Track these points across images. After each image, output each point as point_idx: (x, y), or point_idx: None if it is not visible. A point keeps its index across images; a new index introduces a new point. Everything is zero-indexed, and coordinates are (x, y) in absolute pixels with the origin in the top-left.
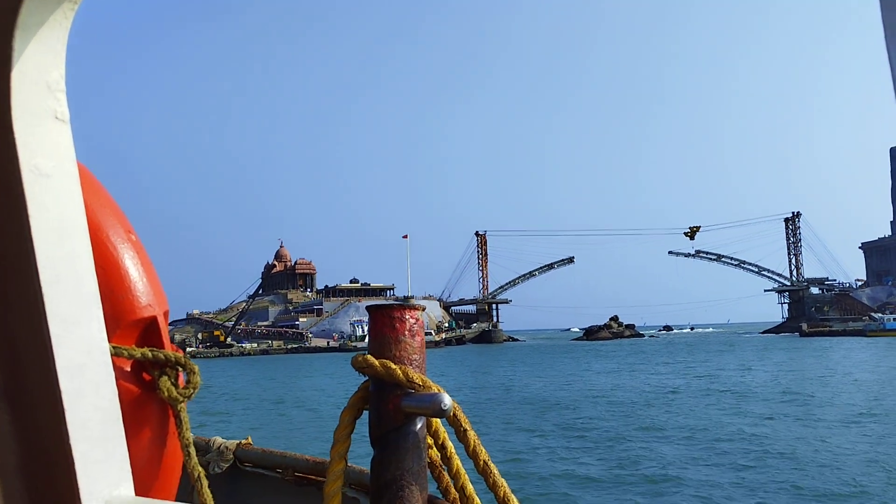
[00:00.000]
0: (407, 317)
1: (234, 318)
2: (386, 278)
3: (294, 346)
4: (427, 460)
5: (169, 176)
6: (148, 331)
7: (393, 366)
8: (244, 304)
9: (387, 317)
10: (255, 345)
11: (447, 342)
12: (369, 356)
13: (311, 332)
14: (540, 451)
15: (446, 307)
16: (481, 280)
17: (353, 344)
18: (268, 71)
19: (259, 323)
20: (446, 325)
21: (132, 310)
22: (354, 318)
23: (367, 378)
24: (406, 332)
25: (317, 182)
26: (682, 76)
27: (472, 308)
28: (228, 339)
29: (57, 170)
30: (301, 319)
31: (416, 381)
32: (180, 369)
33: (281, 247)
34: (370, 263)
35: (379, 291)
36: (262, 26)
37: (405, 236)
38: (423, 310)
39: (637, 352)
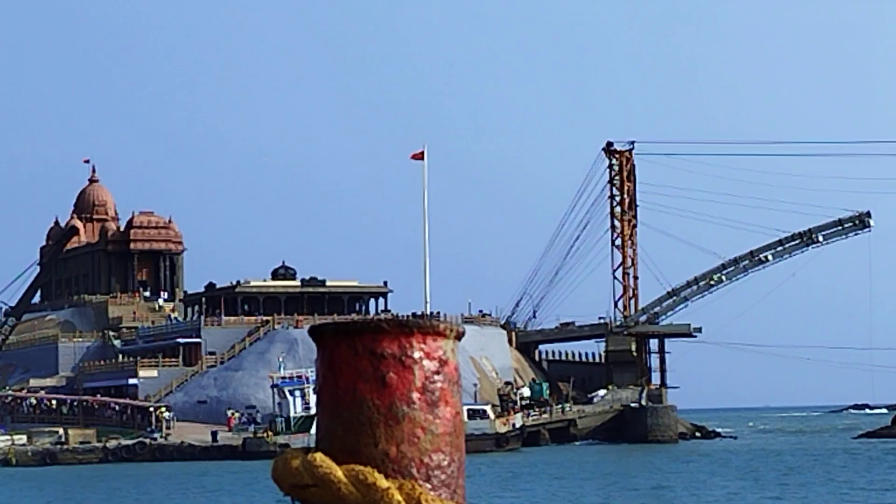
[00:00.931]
0: (415, 352)
1: None
2: (369, 272)
3: (130, 442)
4: None
5: None
6: None
7: (380, 481)
8: None
9: (362, 351)
10: (23, 441)
11: (531, 436)
12: (318, 455)
13: (165, 406)
14: None
15: (523, 345)
16: (620, 274)
17: (277, 439)
18: None
19: (33, 381)
20: (523, 389)
21: None
22: (281, 374)
23: None
24: (414, 392)
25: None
26: None
27: (590, 348)
28: None
29: None
30: (143, 372)
31: None
32: None
33: (91, 182)
34: (327, 239)
35: (348, 300)
36: None
37: (418, 154)
38: (459, 337)
39: None
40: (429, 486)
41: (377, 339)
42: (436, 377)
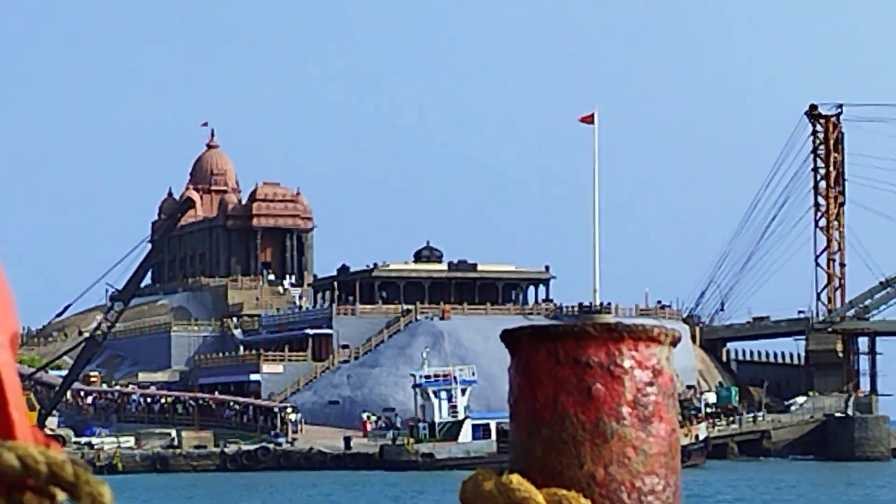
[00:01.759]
0: (625, 360)
1: (66, 361)
2: (527, 255)
3: (251, 447)
4: None
5: None
6: None
7: None
8: (99, 316)
9: (565, 359)
10: (131, 443)
11: (717, 450)
12: (515, 477)
13: (292, 406)
14: None
15: (708, 343)
16: (824, 261)
17: (419, 447)
18: None
19: (142, 376)
20: (708, 394)
21: None
22: (425, 372)
23: None
24: (624, 407)
25: None
26: None
27: (788, 347)
28: (50, 421)
29: None
30: (267, 367)
31: None
32: (59, 497)
33: (209, 148)
34: (479, 216)
35: (503, 288)
36: None
37: (587, 118)
38: (675, 343)
39: None
40: None
41: (582, 346)
42: (649, 389)
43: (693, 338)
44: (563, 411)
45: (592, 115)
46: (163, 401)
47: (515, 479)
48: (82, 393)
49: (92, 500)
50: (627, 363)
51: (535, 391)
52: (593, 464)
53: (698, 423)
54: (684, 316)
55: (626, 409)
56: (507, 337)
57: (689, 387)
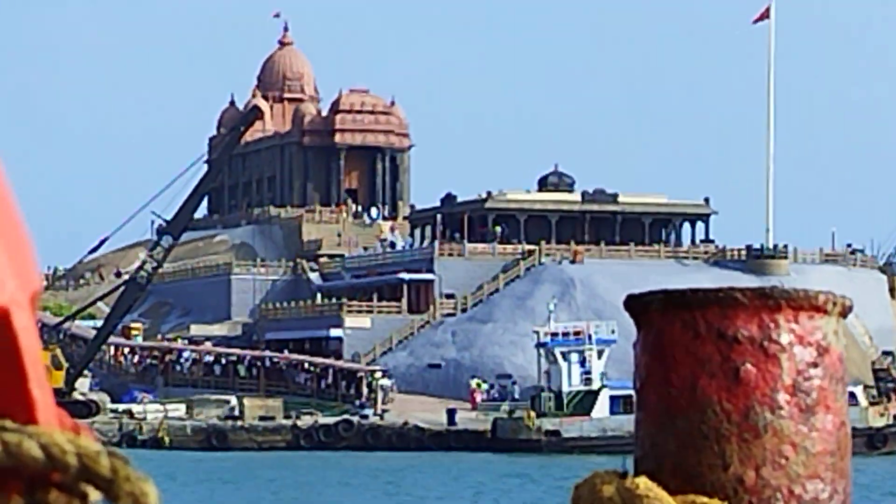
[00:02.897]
0: (783, 334)
1: (101, 308)
2: (680, 185)
3: (331, 420)
4: None
5: None
6: None
7: None
8: (142, 253)
9: (706, 332)
10: (181, 412)
11: None
12: (642, 480)
13: (382, 370)
14: None
15: None
16: None
17: (542, 422)
18: None
19: (194, 329)
20: None
21: None
22: (551, 329)
23: None
24: (781, 393)
25: None
26: None
27: None
28: (81, 383)
29: None
30: (351, 320)
31: None
32: (92, 496)
33: (282, 46)
34: (618, 137)
35: (651, 224)
36: None
37: (762, 15)
38: (845, 313)
39: None
40: None
41: (728, 316)
42: (812, 371)
43: (892, 291)
44: (703, 398)
45: (767, 11)
46: (221, 360)
47: (643, 483)
48: (121, 348)
49: (133, 500)
50: (785, 338)
51: (668, 373)
52: (741, 464)
53: None
54: (881, 263)
55: (783, 397)
56: (633, 304)
57: (885, 353)
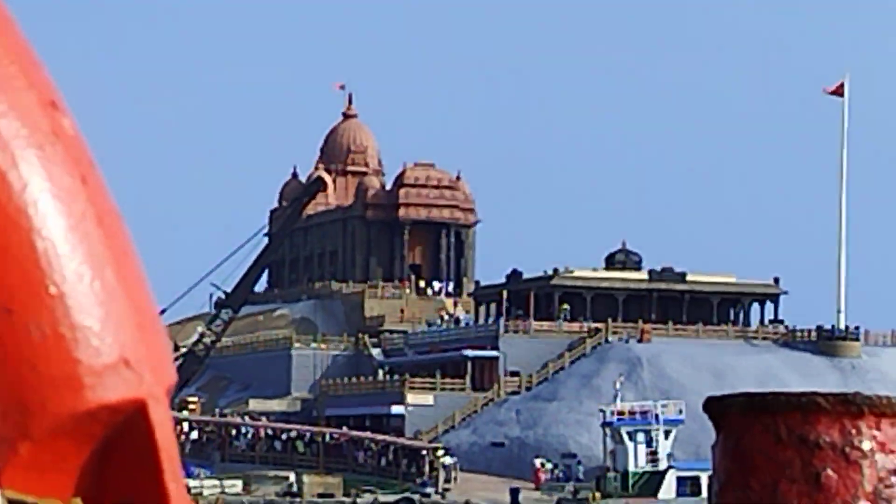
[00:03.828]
0: (864, 441)
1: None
2: (749, 264)
3: (392, 498)
4: None
5: None
6: (117, 458)
7: None
8: (201, 326)
9: (787, 437)
10: (237, 488)
11: None
12: None
13: (445, 448)
14: None
15: None
16: None
17: (607, 503)
18: None
19: (253, 403)
20: None
21: (64, 395)
22: (618, 408)
23: None
24: (862, 500)
25: None
26: None
27: None
28: None
29: None
30: (413, 397)
31: None
32: None
33: (346, 118)
34: (688, 215)
35: (720, 304)
36: None
37: (836, 89)
38: None
39: None
40: None
41: (809, 421)
42: (893, 479)
43: None
44: (784, 503)
45: (842, 86)
46: (280, 436)
47: None
48: (178, 422)
49: None
50: (867, 445)
51: (748, 477)
52: None
53: None
54: None
55: (864, 503)
56: (712, 406)
57: None
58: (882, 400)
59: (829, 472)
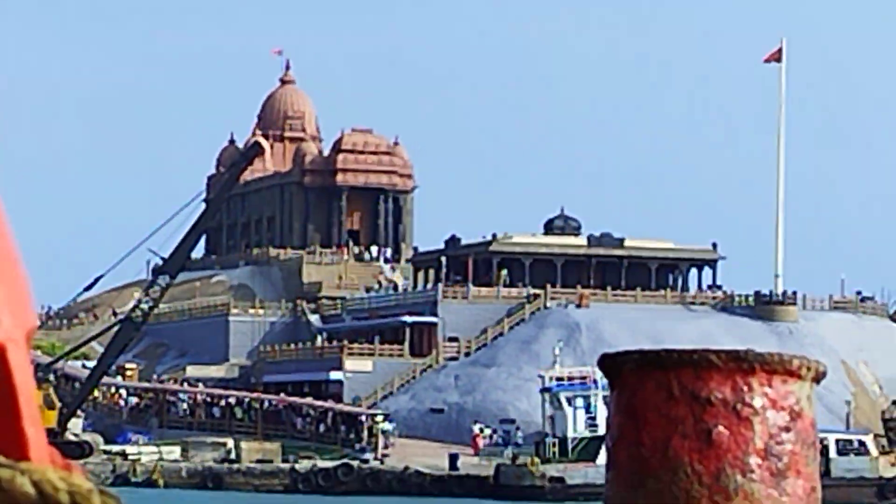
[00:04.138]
0: (756, 398)
1: (95, 348)
2: (687, 230)
3: (330, 464)
4: None
5: None
6: None
7: None
8: (138, 293)
9: (680, 393)
10: (176, 454)
11: None
12: None
13: (383, 414)
14: None
15: None
16: None
17: (546, 469)
18: None
19: (191, 370)
20: None
21: None
22: (556, 374)
23: None
24: (753, 456)
25: None
26: None
27: None
28: (74, 423)
29: None
30: (352, 363)
31: None
32: None
33: (283, 84)
34: (625, 179)
35: (658, 269)
36: None
37: (773, 55)
38: (819, 379)
39: None
40: None
41: (702, 378)
42: (784, 436)
43: None
44: (675, 459)
45: (779, 52)
46: (217, 402)
47: None
48: (115, 389)
49: None
50: (759, 402)
51: (640, 433)
52: None
53: None
54: (891, 312)
55: (754, 460)
56: (606, 363)
57: (895, 402)
58: (773, 357)
59: (721, 428)
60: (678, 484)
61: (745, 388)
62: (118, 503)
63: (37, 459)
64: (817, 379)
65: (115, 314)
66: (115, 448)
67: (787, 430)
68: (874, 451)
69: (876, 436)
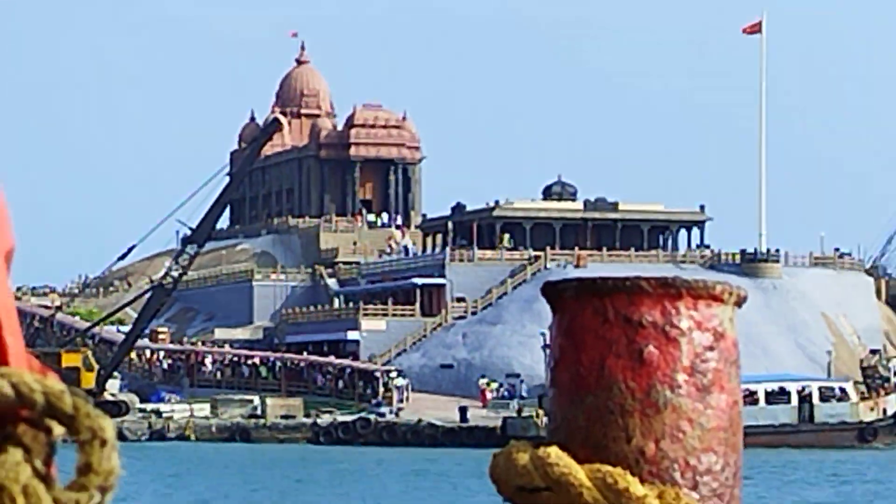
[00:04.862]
0: (683, 320)
1: (129, 314)
2: (677, 193)
3: (348, 417)
4: None
5: None
6: None
7: (634, 487)
8: (168, 261)
9: (614, 317)
10: (206, 411)
11: None
12: (553, 451)
13: (397, 370)
14: None
15: None
16: None
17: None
18: None
19: (218, 333)
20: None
21: None
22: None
23: None
24: (680, 373)
25: None
26: None
27: None
28: (111, 384)
29: None
30: (367, 323)
31: None
32: (56, 431)
33: (299, 64)
34: (619, 146)
35: (650, 231)
36: None
37: (753, 27)
38: (740, 303)
39: None
40: (696, 495)
41: (634, 303)
42: (708, 354)
43: (878, 292)
44: (610, 377)
45: (759, 24)
46: (243, 362)
47: (554, 452)
48: (148, 352)
49: (92, 434)
50: (685, 324)
51: (579, 354)
52: (643, 437)
53: (886, 394)
54: (867, 266)
55: (682, 377)
56: (548, 291)
57: (873, 351)
58: (699, 283)
59: (651, 348)
60: (613, 399)
61: (674, 312)
62: (87, 402)
63: (15, 365)
64: (738, 303)
65: (151, 281)
66: (150, 406)
67: (712, 349)
68: (854, 397)
69: (856, 383)
